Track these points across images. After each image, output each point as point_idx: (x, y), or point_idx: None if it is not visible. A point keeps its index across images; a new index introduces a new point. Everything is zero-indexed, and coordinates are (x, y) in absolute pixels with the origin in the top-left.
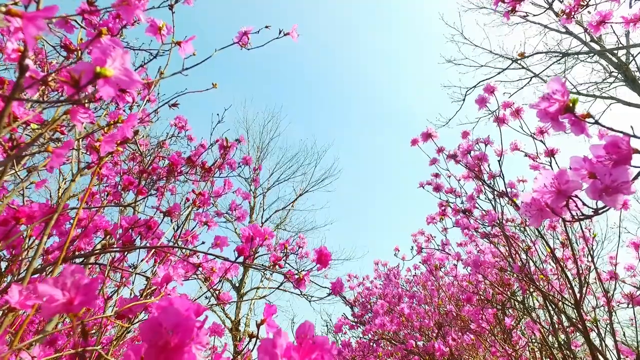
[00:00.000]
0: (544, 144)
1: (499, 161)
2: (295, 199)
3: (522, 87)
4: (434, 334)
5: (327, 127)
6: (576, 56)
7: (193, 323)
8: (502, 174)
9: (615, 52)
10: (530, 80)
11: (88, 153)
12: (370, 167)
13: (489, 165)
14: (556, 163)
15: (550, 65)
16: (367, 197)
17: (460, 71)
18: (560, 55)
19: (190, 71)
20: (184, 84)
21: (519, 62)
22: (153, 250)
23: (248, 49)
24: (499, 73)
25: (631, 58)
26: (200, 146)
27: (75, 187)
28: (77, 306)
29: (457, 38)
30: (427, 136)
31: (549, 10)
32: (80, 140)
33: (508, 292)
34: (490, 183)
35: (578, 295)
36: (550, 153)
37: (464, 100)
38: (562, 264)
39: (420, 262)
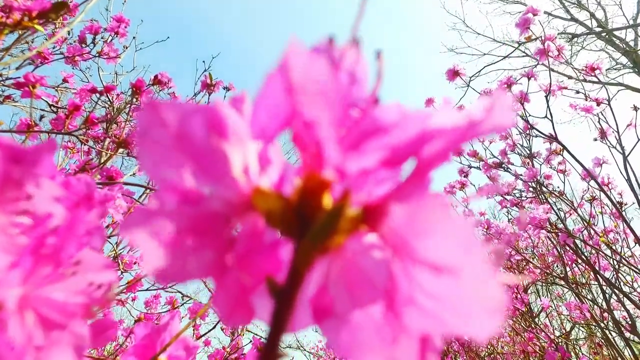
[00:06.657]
0: (599, 79)
1: (546, 97)
2: None
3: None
4: None
5: None
6: (581, 44)
7: None
8: (550, 112)
9: (624, 37)
10: (535, 67)
11: None
12: None
13: (523, 117)
14: (611, 111)
15: None
16: None
17: (462, 60)
18: (570, 37)
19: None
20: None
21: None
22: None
23: None
24: (503, 58)
25: None
26: None
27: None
28: None
29: (459, 26)
30: (454, 74)
31: None
32: None
33: (544, 266)
34: (527, 137)
35: None
36: (597, 102)
37: (468, 85)
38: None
39: None
